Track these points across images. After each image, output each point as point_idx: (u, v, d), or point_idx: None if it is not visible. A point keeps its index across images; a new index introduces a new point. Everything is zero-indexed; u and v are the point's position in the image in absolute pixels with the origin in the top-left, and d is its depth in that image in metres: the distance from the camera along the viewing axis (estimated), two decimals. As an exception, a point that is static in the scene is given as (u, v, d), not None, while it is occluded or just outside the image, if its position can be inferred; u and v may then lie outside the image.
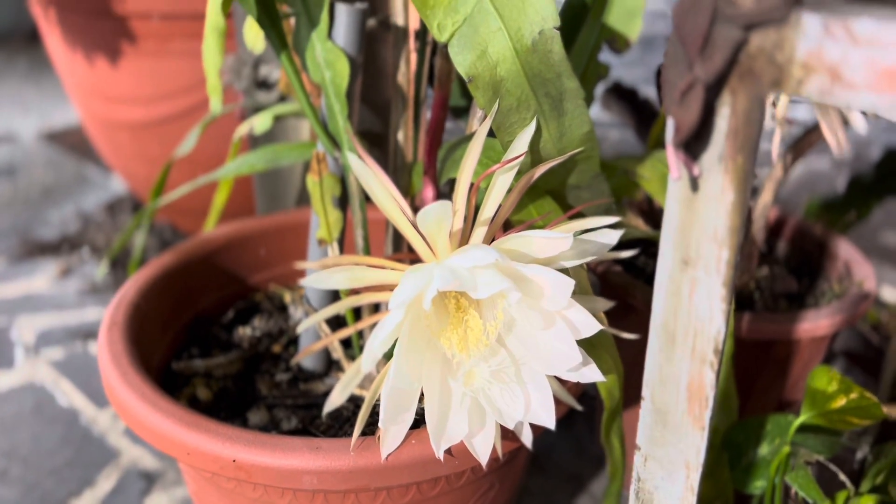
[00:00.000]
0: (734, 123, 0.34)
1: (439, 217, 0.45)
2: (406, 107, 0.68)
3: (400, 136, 0.69)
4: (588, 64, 0.67)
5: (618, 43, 0.70)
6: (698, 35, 0.32)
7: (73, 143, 1.96)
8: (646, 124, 0.95)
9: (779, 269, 0.86)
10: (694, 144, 0.35)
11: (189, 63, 1.13)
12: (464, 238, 0.49)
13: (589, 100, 0.69)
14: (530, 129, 0.49)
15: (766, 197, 0.81)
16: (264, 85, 0.87)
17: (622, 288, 0.75)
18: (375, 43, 0.74)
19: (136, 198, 1.56)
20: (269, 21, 0.59)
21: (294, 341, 0.72)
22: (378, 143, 0.79)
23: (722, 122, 0.34)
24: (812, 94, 0.32)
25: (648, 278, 0.81)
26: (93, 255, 1.40)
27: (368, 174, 0.49)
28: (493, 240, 0.49)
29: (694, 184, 0.36)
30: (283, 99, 0.87)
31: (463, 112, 0.81)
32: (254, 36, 0.64)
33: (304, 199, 0.99)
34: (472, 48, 0.48)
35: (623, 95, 0.98)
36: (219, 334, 0.73)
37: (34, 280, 1.33)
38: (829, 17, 0.30)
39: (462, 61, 0.48)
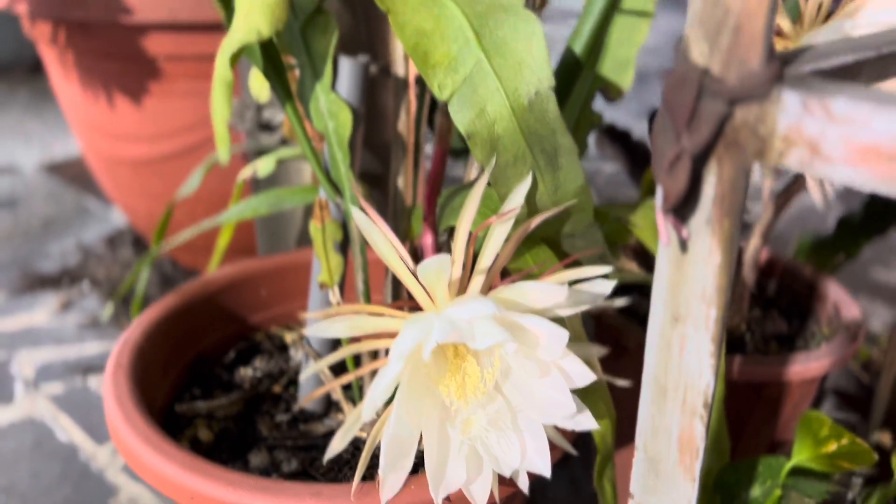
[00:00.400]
0: (720, 190, 0.36)
1: (439, 269, 0.47)
2: (406, 153, 0.70)
3: (400, 181, 0.71)
4: (581, 113, 0.69)
5: (611, 92, 0.72)
6: (686, 108, 0.34)
7: (73, 174, 1.97)
8: (639, 166, 0.97)
9: (769, 310, 0.88)
10: (683, 208, 0.37)
11: (192, 102, 1.15)
12: (462, 286, 0.51)
13: (582, 148, 0.71)
14: (527, 183, 0.51)
15: (756, 240, 0.83)
16: (267, 127, 0.89)
17: (616, 329, 0.77)
18: (377, 87, 0.76)
19: (136, 231, 1.58)
20: (275, 73, 0.61)
21: (294, 381, 0.73)
22: (378, 184, 0.81)
23: (709, 189, 0.36)
24: (793, 166, 0.33)
25: (642, 319, 0.82)
26: (93, 289, 1.41)
27: (370, 226, 0.50)
28: (490, 288, 0.51)
29: (683, 245, 0.38)
30: (285, 141, 0.89)
31: (462, 153, 0.83)
32: (259, 86, 0.66)
33: (304, 239, 1.00)
34: (471, 106, 0.50)
35: (616, 137, 1.00)
36: (220, 374, 0.74)
37: (34, 314, 1.34)
38: (807, 95, 0.32)
39: (461, 119, 0.50)
